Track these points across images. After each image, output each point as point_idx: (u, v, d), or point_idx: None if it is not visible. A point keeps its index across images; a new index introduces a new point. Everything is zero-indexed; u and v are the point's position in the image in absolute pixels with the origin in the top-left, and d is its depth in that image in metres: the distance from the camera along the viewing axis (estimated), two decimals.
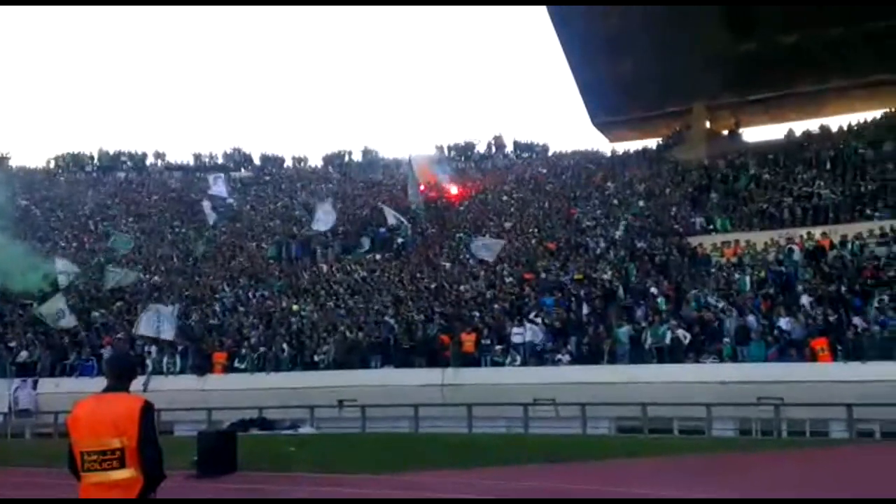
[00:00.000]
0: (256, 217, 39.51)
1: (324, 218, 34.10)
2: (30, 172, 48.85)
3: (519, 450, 15.61)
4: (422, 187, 36.88)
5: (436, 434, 19.12)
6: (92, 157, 50.52)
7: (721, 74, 34.42)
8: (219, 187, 40.29)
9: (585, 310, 23.43)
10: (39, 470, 13.97)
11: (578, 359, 21.90)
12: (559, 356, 22.05)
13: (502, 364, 22.60)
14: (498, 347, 22.95)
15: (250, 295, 30.00)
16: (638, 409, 19.04)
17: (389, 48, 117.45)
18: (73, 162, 50.14)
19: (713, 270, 24.62)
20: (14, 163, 49.88)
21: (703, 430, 18.57)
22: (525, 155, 46.19)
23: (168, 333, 25.74)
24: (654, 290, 23.45)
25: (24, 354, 26.51)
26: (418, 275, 29.07)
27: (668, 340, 20.84)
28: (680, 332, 20.89)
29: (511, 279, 26.98)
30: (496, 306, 24.94)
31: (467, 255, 29.58)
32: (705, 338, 21.09)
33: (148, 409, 4.55)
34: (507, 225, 32.92)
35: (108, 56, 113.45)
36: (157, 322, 25.71)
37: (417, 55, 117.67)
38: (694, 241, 27.26)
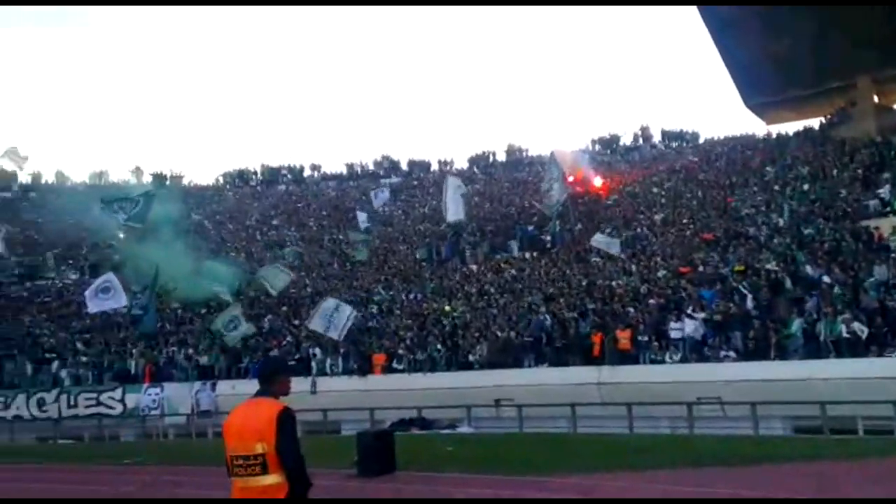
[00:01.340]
0: (406, 221, 40.54)
1: (453, 208, 34.39)
2: (201, 189, 52.68)
3: (685, 451, 14.95)
4: (570, 178, 36.35)
5: (595, 434, 18.74)
6: (255, 172, 53.83)
7: (885, 47, 31.60)
8: (380, 200, 42.19)
9: (749, 303, 22.19)
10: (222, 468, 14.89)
11: (744, 354, 20.78)
12: (723, 352, 21.02)
13: (662, 361, 21.85)
14: (655, 344, 22.22)
15: (404, 297, 30.82)
16: (815, 407, 17.73)
17: (530, 45, 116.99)
18: (239, 177, 53.59)
19: (893, 256, 22.59)
20: (187, 181, 54.01)
21: (892, 429, 17.06)
22: (674, 144, 44.53)
23: (335, 333, 26.64)
24: (826, 279, 21.82)
25: (203, 359, 28.61)
26: (568, 271, 28.69)
27: (844, 333, 19.33)
28: (856, 325, 19.29)
29: (666, 273, 26.06)
30: (651, 301, 24.16)
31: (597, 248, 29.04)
32: (888, 330, 19.38)
33: (285, 416, 4.56)
34: (658, 217, 31.83)
35: (265, 76, 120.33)
36: (329, 319, 26.61)
37: (558, 50, 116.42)
38: (868, 224, 25.16)
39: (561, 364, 23.22)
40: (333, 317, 26.58)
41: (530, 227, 33.74)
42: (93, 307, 30.41)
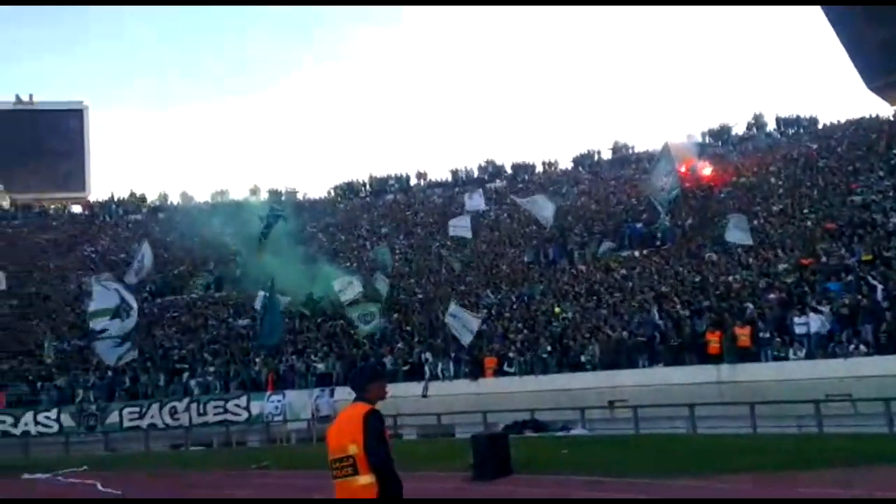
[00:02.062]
0: (513, 224, 40.50)
1: (541, 212, 34.02)
2: (314, 202, 54.50)
3: (814, 451, 14.20)
4: (682, 169, 35.28)
5: (716, 435, 18.09)
6: (364, 184, 55.16)
7: None
8: (475, 202, 41.90)
9: (880, 294, 20.90)
10: None
11: (876, 348, 19.59)
12: (852, 346, 19.88)
13: (785, 358, 20.88)
14: (778, 340, 21.26)
15: (513, 299, 30.80)
16: None
17: (633, 40, 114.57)
18: (349, 189, 55.06)
19: None
20: (301, 195, 56.00)
21: None
22: (791, 131, 42.40)
23: (466, 338, 27.04)
24: None
25: (321, 366, 29.58)
26: (680, 268, 27.89)
27: None
28: None
29: (786, 265, 24.90)
30: (771, 296, 23.15)
31: (733, 244, 27.69)
32: None
33: (370, 417, 4.69)
34: (776, 208, 30.44)
35: (369, 90, 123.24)
36: (462, 325, 27.11)
37: (662, 43, 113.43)
38: None
39: (677, 363, 22.59)
40: (462, 321, 27.09)
41: (639, 225, 33.00)
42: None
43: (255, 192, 54.01)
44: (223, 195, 54.12)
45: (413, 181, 53.49)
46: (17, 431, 28.77)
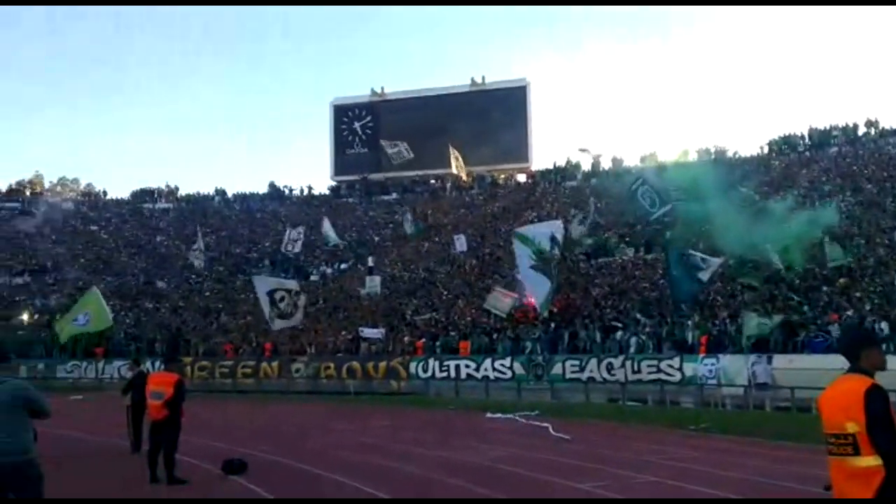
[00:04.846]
0: None
1: None
2: (745, 160, 52.03)
3: None
4: None
5: None
6: (803, 136, 50.98)
7: None
8: None
9: None
10: (783, 443, 14.96)
11: None
12: None
13: None
14: None
15: None
16: None
17: None
18: (785, 144, 51.40)
19: None
20: (730, 153, 53.84)
21: None
22: None
23: None
24: None
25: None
26: None
27: None
28: None
29: None
30: None
31: None
32: None
33: (873, 394, 4.25)
34: None
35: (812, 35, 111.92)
36: None
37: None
38: None
39: None
40: None
41: None
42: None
43: (684, 153, 53.60)
44: (652, 158, 54.75)
45: (861, 130, 47.80)
46: (479, 375, 33.38)
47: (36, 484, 6.61)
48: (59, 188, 70.39)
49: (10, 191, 68.93)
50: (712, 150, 53.81)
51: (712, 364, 27.88)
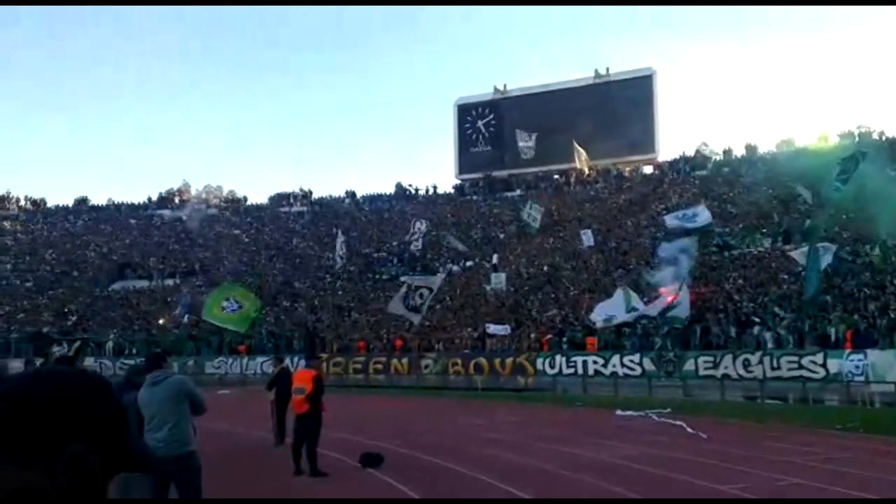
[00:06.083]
0: None
1: None
2: (893, 141, 48.53)
3: None
4: None
5: None
6: None
7: None
8: None
9: None
10: None
11: None
12: None
13: None
14: None
15: None
16: None
17: None
18: None
19: None
20: (876, 135, 50.34)
21: None
22: None
23: None
24: None
25: None
26: None
27: None
28: None
29: None
30: None
31: None
32: None
33: None
34: None
35: None
36: None
37: None
38: None
39: None
40: None
41: None
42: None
43: (824, 137, 50.59)
44: (788, 144, 52.07)
45: None
46: (607, 372, 32.93)
47: (195, 476, 7.16)
48: (204, 195, 74.78)
49: (161, 199, 73.95)
50: (855, 132, 50.51)
51: (859, 360, 26.29)
